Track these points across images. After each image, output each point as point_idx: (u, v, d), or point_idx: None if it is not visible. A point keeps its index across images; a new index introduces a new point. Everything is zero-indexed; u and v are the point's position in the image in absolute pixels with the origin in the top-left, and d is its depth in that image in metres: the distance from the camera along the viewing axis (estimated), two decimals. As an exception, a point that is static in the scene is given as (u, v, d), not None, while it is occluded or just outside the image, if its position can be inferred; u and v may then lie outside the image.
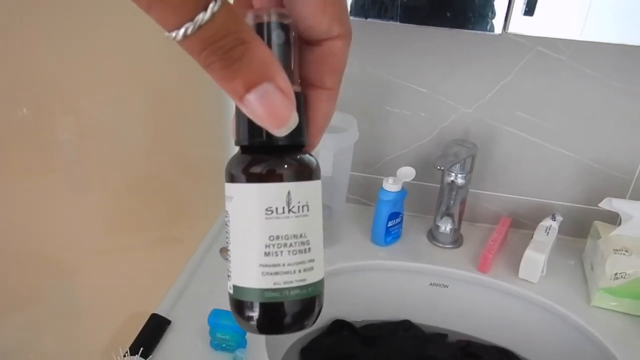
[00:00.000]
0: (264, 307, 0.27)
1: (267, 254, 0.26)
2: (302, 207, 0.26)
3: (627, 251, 0.83)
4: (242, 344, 0.70)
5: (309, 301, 0.27)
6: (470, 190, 0.95)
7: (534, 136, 0.95)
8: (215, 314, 0.69)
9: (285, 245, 0.26)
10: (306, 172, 0.27)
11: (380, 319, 0.96)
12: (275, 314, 0.27)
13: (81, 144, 0.62)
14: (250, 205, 0.26)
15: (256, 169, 0.26)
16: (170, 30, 0.21)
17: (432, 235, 0.99)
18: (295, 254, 0.27)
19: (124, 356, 0.64)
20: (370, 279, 0.94)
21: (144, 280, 0.79)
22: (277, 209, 0.26)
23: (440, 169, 0.83)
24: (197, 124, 0.93)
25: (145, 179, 0.79)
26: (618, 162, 0.94)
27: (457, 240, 0.98)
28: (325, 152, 0.85)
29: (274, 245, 0.26)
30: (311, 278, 0.27)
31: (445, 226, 0.96)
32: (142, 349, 0.65)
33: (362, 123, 0.90)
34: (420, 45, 0.92)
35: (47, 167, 0.59)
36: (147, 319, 0.74)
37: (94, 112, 0.63)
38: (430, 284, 0.94)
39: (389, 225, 0.95)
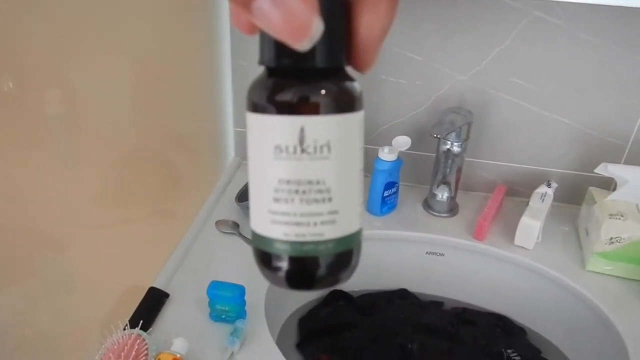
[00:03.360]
0: (274, 258, 0.23)
1: (276, 200, 0.22)
2: (321, 147, 0.21)
3: (622, 216, 0.83)
4: (242, 314, 0.70)
5: (327, 259, 0.23)
6: (465, 158, 0.94)
7: (529, 103, 0.94)
8: (214, 285, 0.69)
9: (297, 192, 0.22)
10: (330, 103, 0.21)
11: (377, 289, 0.97)
12: (288, 268, 0.23)
13: (70, 117, 0.61)
14: (259, 140, 0.22)
15: (263, 96, 0.21)
16: None
17: (428, 204, 0.99)
18: (310, 203, 0.22)
19: (124, 329, 0.64)
20: (366, 248, 0.93)
21: (140, 254, 0.78)
22: (287, 147, 0.21)
23: (436, 137, 0.82)
24: (190, 95, 0.91)
25: (138, 151, 0.78)
26: (613, 128, 0.94)
27: (452, 208, 0.98)
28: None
29: (284, 191, 0.22)
30: (331, 233, 0.23)
31: (442, 194, 0.96)
32: (141, 321, 0.64)
33: (357, 92, 0.89)
34: (415, 12, 0.90)
35: (37, 141, 0.57)
36: (145, 292, 0.73)
37: (83, 84, 0.61)
38: (427, 253, 0.95)
39: (384, 195, 0.94)
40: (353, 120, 0.22)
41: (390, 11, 0.21)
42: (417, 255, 0.95)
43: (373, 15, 0.21)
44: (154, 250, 0.82)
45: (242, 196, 0.94)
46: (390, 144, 0.92)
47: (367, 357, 0.84)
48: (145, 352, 0.61)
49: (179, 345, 0.63)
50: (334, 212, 0.23)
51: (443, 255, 0.94)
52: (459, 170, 0.94)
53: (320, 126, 0.21)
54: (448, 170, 0.93)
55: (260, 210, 0.23)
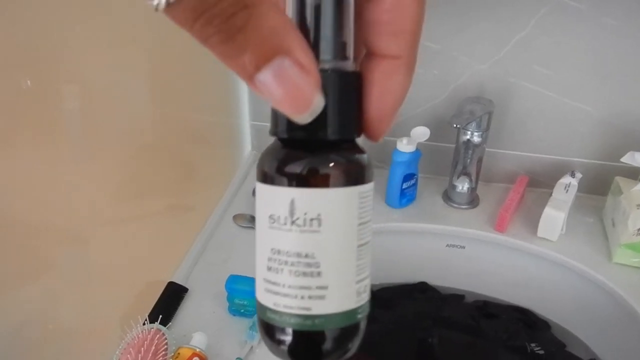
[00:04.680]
0: (265, 326, 0.23)
1: (269, 269, 0.22)
2: (311, 220, 0.21)
3: (649, 206, 0.80)
4: (260, 309, 0.70)
5: (314, 336, 0.22)
6: (486, 149, 0.93)
7: (551, 91, 0.92)
8: (232, 279, 0.69)
9: (286, 262, 0.22)
10: (323, 177, 0.21)
11: (397, 282, 0.96)
12: (276, 338, 0.23)
13: (88, 112, 0.60)
14: (259, 207, 0.23)
15: (263, 165, 0.22)
16: None
17: (448, 195, 0.97)
18: (298, 275, 0.22)
19: (143, 324, 0.64)
20: (385, 242, 0.93)
21: (159, 249, 0.79)
22: (279, 218, 0.21)
23: (456, 127, 0.81)
24: (206, 89, 0.91)
25: (155, 146, 0.77)
26: (638, 116, 0.91)
27: (473, 200, 0.97)
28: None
29: (275, 260, 0.22)
30: (319, 309, 0.22)
31: (462, 185, 0.94)
32: (160, 316, 0.65)
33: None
34: (433, -1, 0.88)
35: (55, 137, 0.57)
36: (164, 287, 0.74)
37: (99, 79, 0.61)
38: (447, 245, 0.93)
39: (403, 187, 0.93)
40: (350, 195, 0.22)
41: (406, 81, 0.21)
42: (437, 248, 0.94)
43: (387, 87, 0.21)
44: (172, 244, 0.82)
45: (260, 190, 0.93)
46: (408, 135, 0.90)
47: (386, 351, 0.83)
48: (165, 346, 0.61)
49: (198, 339, 0.63)
50: (323, 288, 0.22)
51: (464, 247, 0.93)
52: (480, 161, 0.92)
53: (310, 199, 0.21)
54: (468, 160, 0.91)
55: (258, 277, 0.23)
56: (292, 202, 0.21)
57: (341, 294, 0.22)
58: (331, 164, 0.21)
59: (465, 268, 0.94)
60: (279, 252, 0.22)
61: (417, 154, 0.91)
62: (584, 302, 0.85)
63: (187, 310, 0.72)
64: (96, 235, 0.66)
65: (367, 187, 0.23)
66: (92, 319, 0.65)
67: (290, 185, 0.21)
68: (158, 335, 0.62)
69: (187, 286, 0.75)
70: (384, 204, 0.96)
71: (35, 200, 0.57)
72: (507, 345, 0.83)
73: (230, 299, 0.70)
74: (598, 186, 0.97)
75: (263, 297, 0.23)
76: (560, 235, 0.88)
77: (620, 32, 0.84)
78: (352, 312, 0.23)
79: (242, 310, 0.70)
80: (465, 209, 0.95)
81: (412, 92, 0.89)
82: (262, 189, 0.22)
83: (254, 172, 1.05)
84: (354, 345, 0.24)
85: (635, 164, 0.85)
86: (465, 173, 0.93)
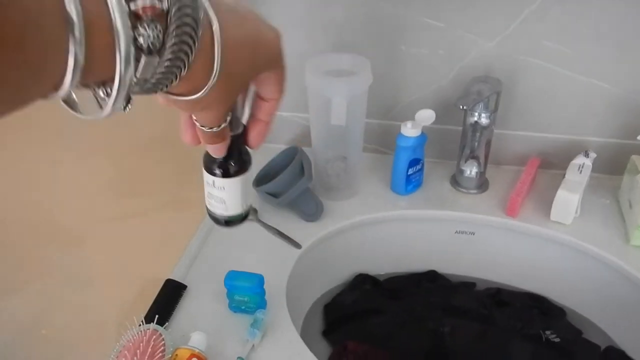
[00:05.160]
0: (209, 213, 0.47)
1: (209, 196, 0.46)
2: (221, 187, 0.44)
3: (669, 186, 0.76)
4: (262, 305, 0.67)
5: (226, 220, 0.46)
6: (494, 131, 0.88)
7: (563, 68, 0.87)
8: (231, 275, 0.66)
9: (214, 198, 0.45)
10: (225, 173, 0.43)
11: (405, 271, 0.93)
12: (212, 218, 0.47)
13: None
14: (205, 177, 0.45)
15: (205, 162, 0.44)
16: (209, 128, 0.36)
17: (456, 180, 0.93)
18: (216, 201, 0.45)
19: (140, 325, 0.61)
20: (392, 230, 0.90)
21: (157, 246, 0.76)
22: (211, 183, 0.44)
23: (463, 109, 0.77)
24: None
25: (151, 140, 0.75)
26: (656, 90, 0.86)
27: (482, 184, 0.93)
28: (337, 99, 0.79)
29: (210, 196, 0.46)
30: (227, 212, 0.45)
31: (470, 170, 0.90)
32: (157, 316, 0.62)
33: (376, 65, 0.83)
34: (435, -26, 0.83)
35: (49, 135, 0.55)
36: (161, 285, 0.71)
37: None
38: (456, 232, 0.90)
39: (409, 173, 0.89)
40: (238, 179, 0.43)
41: (269, 128, 0.40)
42: (446, 235, 0.90)
43: (266, 127, 0.41)
44: (170, 240, 0.80)
45: (260, 180, 0.90)
46: (413, 119, 0.87)
47: (396, 342, 0.80)
48: (162, 348, 0.58)
49: (197, 339, 0.60)
50: (227, 207, 0.45)
51: (473, 234, 0.89)
52: (488, 144, 0.88)
53: (221, 181, 0.43)
54: (476, 143, 0.87)
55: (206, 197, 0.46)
56: (214, 180, 0.43)
57: (234, 209, 0.45)
58: (229, 166, 0.42)
59: (476, 255, 0.90)
60: (211, 195, 0.44)
61: (422, 138, 0.87)
62: (601, 287, 0.81)
63: (186, 309, 0.69)
64: (92, 233, 0.64)
65: (248, 174, 0.44)
66: (88, 320, 0.63)
67: (212, 175, 0.43)
68: (155, 337, 0.59)
69: (186, 283, 0.72)
70: (390, 191, 0.92)
71: (29, 198, 0.55)
72: (521, 333, 0.80)
73: (229, 295, 0.67)
74: (613, 166, 0.93)
75: (207, 205, 0.46)
76: (574, 218, 0.84)
77: (635, 2, 0.79)
78: (239, 214, 0.46)
79: (242, 307, 0.67)
80: (475, 193, 0.92)
81: (416, 73, 0.85)
82: (204, 172, 0.43)
83: (255, 163, 1.00)
84: (241, 221, 0.47)
85: (653, 142, 0.81)
86: (473, 157, 0.89)
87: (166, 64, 0.26)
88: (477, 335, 0.82)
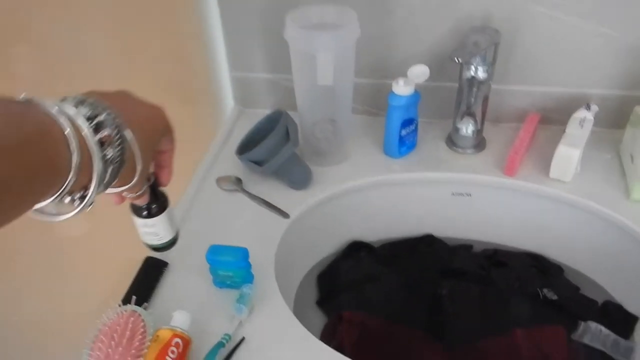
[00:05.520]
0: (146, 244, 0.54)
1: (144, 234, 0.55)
2: (152, 224, 0.53)
3: (677, 138, 0.72)
4: (249, 279, 0.63)
5: (158, 247, 0.55)
6: (492, 86, 0.83)
7: (565, 14, 0.81)
8: (213, 250, 0.62)
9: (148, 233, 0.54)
10: (149, 214, 0.52)
11: (400, 237, 0.89)
12: (149, 246, 0.54)
13: (42, 75, 0.52)
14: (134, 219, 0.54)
15: (131, 207, 0.52)
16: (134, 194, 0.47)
17: (452, 140, 0.89)
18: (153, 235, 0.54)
19: (118, 307, 0.57)
20: (385, 195, 0.86)
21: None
22: (142, 224, 0.54)
23: (458, 62, 0.71)
24: (176, 38, 0.81)
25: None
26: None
27: (479, 143, 0.88)
28: (323, 55, 0.73)
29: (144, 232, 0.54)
30: (160, 242, 0.54)
31: (467, 128, 0.85)
32: (134, 297, 0.58)
33: (364, 18, 0.77)
34: None
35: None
36: (141, 264, 0.66)
37: (53, 35, 0.52)
38: (452, 194, 0.86)
39: (402, 134, 0.84)
40: (165, 215, 0.53)
41: (172, 170, 0.49)
42: (442, 198, 0.86)
43: (167, 175, 0.49)
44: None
45: (243, 148, 0.85)
46: (405, 76, 0.81)
47: (393, 309, 0.77)
48: (142, 330, 0.54)
49: (179, 319, 0.56)
50: (161, 237, 0.54)
51: (470, 195, 0.85)
52: (485, 100, 0.83)
53: (151, 220, 0.52)
54: (473, 99, 0.82)
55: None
56: (145, 222, 0.52)
57: (166, 237, 0.54)
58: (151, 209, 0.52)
59: (473, 216, 0.87)
60: (145, 232, 0.53)
61: (415, 96, 0.82)
62: (599, 243, 0.79)
63: (168, 287, 0.66)
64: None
65: (169, 209, 0.53)
66: (63, 305, 0.58)
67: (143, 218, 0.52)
68: (133, 318, 0.55)
69: (167, 260, 0.68)
70: (382, 154, 0.88)
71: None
72: (520, 292, 0.77)
73: (213, 271, 0.63)
74: (616, 119, 0.89)
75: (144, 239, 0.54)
76: (574, 174, 0.80)
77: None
78: (171, 239, 0.54)
79: (228, 282, 0.63)
80: (471, 153, 0.87)
81: (408, 25, 0.76)
82: (135, 217, 0.52)
83: (237, 129, 0.97)
84: (174, 243, 0.55)
85: (659, 92, 0.76)
86: (469, 114, 0.84)
87: (114, 167, 0.37)
88: (475, 297, 0.79)
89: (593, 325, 0.72)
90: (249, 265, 0.62)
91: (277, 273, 0.68)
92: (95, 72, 0.60)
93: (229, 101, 1.02)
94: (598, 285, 0.81)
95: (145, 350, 0.54)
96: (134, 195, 0.47)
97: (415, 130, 0.87)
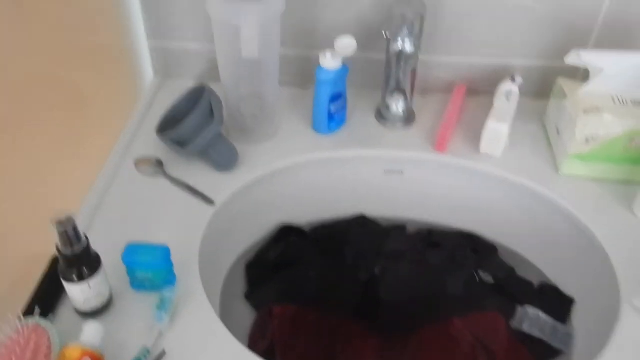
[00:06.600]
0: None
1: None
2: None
3: (598, 110, 0.73)
4: (170, 280, 0.58)
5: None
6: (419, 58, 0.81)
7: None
8: (131, 250, 0.56)
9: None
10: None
11: (332, 217, 0.86)
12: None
13: None
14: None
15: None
16: None
17: (381, 115, 0.86)
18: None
19: (18, 320, 0.50)
20: (316, 174, 0.82)
21: (39, 211, 0.62)
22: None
23: (387, 37, 0.68)
24: (86, 3, 0.72)
25: (30, 77, 0.59)
26: (580, 6, 0.81)
27: (409, 117, 0.86)
28: (247, 28, 0.67)
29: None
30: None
31: (397, 104, 0.83)
32: (37, 308, 0.51)
33: (287, -14, 0.72)
34: None
35: None
36: (47, 264, 0.59)
37: None
38: (385, 171, 0.83)
39: (331, 110, 0.81)
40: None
41: None
42: (374, 176, 0.84)
43: None
44: (57, 202, 0.66)
45: (164, 126, 0.77)
46: (332, 48, 0.77)
47: (326, 298, 0.74)
48: (47, 349, 0.48)
49: (90, 332, 0.50)
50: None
51: (402, 173, 0.83)
52: (414, 73, 0.81)
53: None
54: (402, 75, 0.79)
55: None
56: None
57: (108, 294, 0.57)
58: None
59: (406, 195, 0.85)
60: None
61: (344, 70, 0.78)
62: (533, 221, 0.79)
63: (78, 291, 0.59)
64: None
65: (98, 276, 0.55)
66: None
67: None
68: (37, 332, 0.49)
69: (76, 259, 0.61)
70: (311, 130, 0.84)
71: None
72: (455, 275, 0.77)
73: (130, 273, 0.57)
74: (539, 89, 0.89)
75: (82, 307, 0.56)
76: (504, 149, 0.80)
77: None
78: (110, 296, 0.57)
79: (147, 285, 0.57)
80: (401, 127, 0.85)
81: None
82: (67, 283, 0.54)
83: (158, 103, 0.88)
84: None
85: (580, 64, 0.76)
86: (399, 89, 0.81)
87: None
88: (410, 279, 0.78)
89: (531, 310, 0.72)
90: (170, 265, 0.57)
91: (202, 265, 0.63)
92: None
93: (148, 72, 0.93)
94: (533, 265, 0.81)
95: (51, 372, 0.48)
96: None
97: (345, 105, 0.83)
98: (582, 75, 0.84)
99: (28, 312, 0.53)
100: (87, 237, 0.53)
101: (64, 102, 0.67)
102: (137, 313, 0.56)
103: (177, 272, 0.60)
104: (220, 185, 0.74)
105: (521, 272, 0.80)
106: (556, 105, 0.82)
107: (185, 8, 0.84)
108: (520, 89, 0.83)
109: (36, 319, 0.50)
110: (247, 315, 0.74)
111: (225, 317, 0.59)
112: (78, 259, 0.52)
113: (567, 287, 0.76)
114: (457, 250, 0.80)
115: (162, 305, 0.54)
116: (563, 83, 0.81)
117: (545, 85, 0.88)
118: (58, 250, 0.51)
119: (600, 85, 0.76)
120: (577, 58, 0.76)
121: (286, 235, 0.81)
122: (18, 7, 0.56)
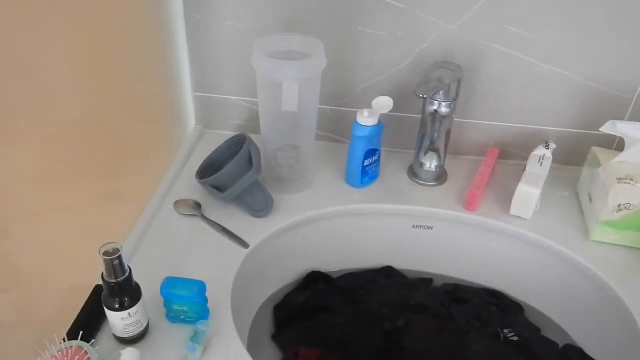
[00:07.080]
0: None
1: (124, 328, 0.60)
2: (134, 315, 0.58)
3: (632, 180, 0.74)
4: (204, 314, 0.60)
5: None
6: (454, 119, 0.84)
7: (525, 54, 0.83)
8: (169, 283, 0.59)
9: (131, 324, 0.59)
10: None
11: (360, 267, 0.88)
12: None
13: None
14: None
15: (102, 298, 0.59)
16: None
17: (414, 172, 0.89)
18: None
19: (63, 341, 0.53)
20: (346, 225, 0.85)
21: (87, 244, 0.67)
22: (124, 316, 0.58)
23: (422, 98, 0.72)
24: (139, 55, 0.78)
25: (80, 123, 0.65)
26: (618, 79, 0.84)
27: (441, 176, 0.89)
28: (289, 83, 0.72)
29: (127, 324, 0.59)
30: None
31: (430, 163, 0.86)
32: (82, 332, 0.54)
33: (330, 48, 0.77)
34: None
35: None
36: (89, 292, 0.63)
37: (5, 48, 0.49)
38: (414, 227, 0.85)
39: (365, 164, 0.84)
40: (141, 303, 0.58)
41: None
42: (403, 230, 0.86)
43: None
44: (102, 239, 0.70)
45: (204, 172, 0.82)
46: (369, 107, 0.81)
47: (350, 345, 0.75)
48: (86, 370, 0.51)
49: (127, 358, 0.53)
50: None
51: (431, 228, 0.85)
52: (448, 134, 0.84)
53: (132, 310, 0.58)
54: (436, 134, 0.83)
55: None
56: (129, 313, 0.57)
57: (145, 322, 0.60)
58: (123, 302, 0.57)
59: (434, 250, 0.87)
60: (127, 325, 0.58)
61: (379, 127, 0.82)
62: (560, 283, 0.79)
63: (117, 319, 0.62)
64: (12, 230, 0.54)
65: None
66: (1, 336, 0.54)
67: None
68: (79, 356, 0.52)
69: (117, 290, 0.64)
70: (344, 183, 0.87)
71: None
72: (480, 332, 0.77)
73: (167, 305, 0.60)
74: (573, 156, 0.91)
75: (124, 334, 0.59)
76: (534, 212, 0.81)
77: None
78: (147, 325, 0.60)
79: (182, 317, 0.60)
80: (433, 186, 0.87)
81: (373, 57, 0.76)
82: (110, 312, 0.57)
83: (198, 151, 0.94)
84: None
85: (616, 134, 0.78)
86: (433, 149, 0.84)
87: None
88: (433, 332, 0.78)
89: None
90: (205, 300, 0.60)
91: (233, 304, 0.66)
92: (52, 87, 0.57)
93: (190, 121, 0.99)
94: (558, 326, 0.81)
95: (89, 393, 0.50)
96: None
97: (378, 160, 0.87)
98: (616, 144, 0.86)
99: (71, 335, 0.56)
100: (130, 269, 0.56)
101: (112, 145, 0.73)
102: (171, 343, 0.59)
103: (210, 309, 0.62)
104: (255, 230, 0.77)
105: (546, 333, 0.80)
106: (590, 173, 0.84)
107: (229, 64, 0.90)
108: (553, 154, 0.85)
109: (78, 342, 0.53)
110: (272, 356, 0.76)
111: (252, 354, 0.61)
112: (121, 289, 0.55)
113: (592, 350, 0.75)
114: (482, 307, 0.80)
115: (195, 338, 0.56)
116: (597, 151, 0.83)
117: (578, 153, 0.89)
118: (103, 279, 0.54)
119: (635, 155, 0.78)
120: (613, 128, 0.78)
121: (314, 281, 0.83)
122: (78, 52, 0.62)
